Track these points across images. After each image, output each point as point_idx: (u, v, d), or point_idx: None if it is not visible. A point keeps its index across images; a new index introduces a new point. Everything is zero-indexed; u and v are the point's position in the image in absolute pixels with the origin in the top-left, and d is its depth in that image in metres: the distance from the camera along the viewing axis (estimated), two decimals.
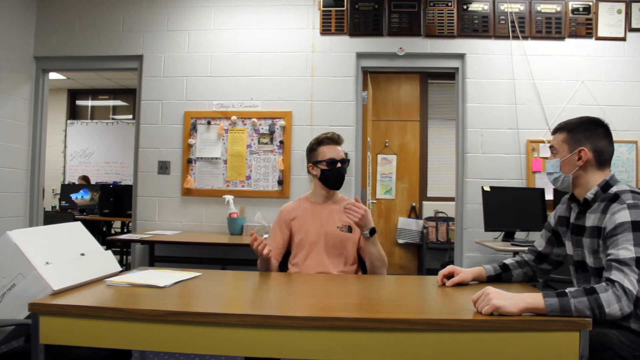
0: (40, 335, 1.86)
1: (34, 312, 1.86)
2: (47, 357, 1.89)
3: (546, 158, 4.79)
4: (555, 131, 2.31)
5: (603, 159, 2.22)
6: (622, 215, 2.00)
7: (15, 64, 5.19)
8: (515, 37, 4.95)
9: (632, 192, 2.08)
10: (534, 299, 1.78)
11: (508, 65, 4.96)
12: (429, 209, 7.95)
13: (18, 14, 5.22)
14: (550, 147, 2.34)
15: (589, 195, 2.20)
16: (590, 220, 2.17)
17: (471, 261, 4.88)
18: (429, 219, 7.85)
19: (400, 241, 7.93)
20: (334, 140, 3.10)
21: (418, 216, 8.01)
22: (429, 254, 7.78)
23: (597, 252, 2.11)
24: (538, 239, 2.55)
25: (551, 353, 1.73)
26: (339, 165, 3.04)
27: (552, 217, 2.50)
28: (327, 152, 3.07)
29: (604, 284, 1.83)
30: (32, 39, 5.41)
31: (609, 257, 1.94)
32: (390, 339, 1.75)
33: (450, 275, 2.39)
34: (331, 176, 3.06)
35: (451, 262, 6.06)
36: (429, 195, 8.09)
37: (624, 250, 1.91)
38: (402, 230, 7.94)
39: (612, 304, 1.77)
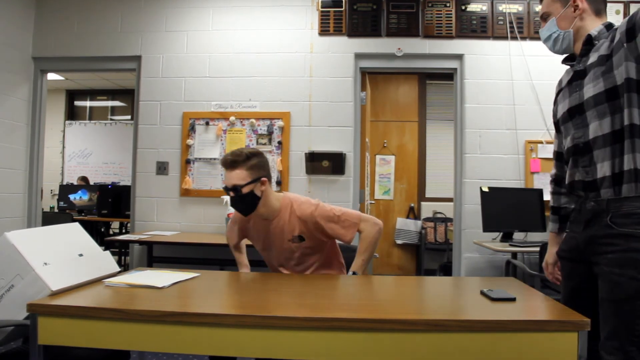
0: (39, 336, 1.86)
1: (32, 313, 1.87)
2: (46, 357, 1.89)
3: (543, 158, 4.85)
4: None
5: (599, 7, 2.13)
6: None
7: (14, 64, 5.19)
8: (514, 38, 4.96)
9: None
10: None
11: (506, 66, 4.96)
12: (427, 209, 7.95)
13: (16, 15, 5.22)
14: (541, 15, 2.24)
15: (593, 32, 2.07)
16: (595, 55, 2.02)
17: (469, 262, 4.89)
18: (427, 219, 7.85)
19: (399, 242, 7.94)
20: (225, 164, 2.74)
21: (416, 217, 8.01)
22: (428, 255, 7.78)
23: (609, 70, 1.94)
24: (555, 143, 2.43)
25: (549, 354, 1.73)
26: (231, 194, 2.73)
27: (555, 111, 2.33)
28: (225, 177, 2.78)
29: None
30: (31, 39, 5.41)
31: None
32: (389, 339, 1.76)
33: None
34: (233, 205, 2.79)
35: (449, 262, 6.07)
36: (427, 195, 8.09)
37: None
38: (400, 230, 7.94)
39: None
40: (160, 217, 5.19)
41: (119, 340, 1.88)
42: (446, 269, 7.07)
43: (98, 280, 2.28)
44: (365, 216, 2.86)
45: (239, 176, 2.68)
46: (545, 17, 2.22)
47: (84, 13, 5.38)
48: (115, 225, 8.30)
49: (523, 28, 4.96)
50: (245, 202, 2.73)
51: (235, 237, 3.12)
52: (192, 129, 5.18)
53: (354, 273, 2.79)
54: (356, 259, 2.83)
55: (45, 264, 2.04)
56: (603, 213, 1.97)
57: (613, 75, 1.92)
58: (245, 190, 2.68)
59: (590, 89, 2.01)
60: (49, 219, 5.93)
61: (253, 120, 5.11)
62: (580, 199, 2.13)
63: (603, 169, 1.97)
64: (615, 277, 1.87)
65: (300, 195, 2.93)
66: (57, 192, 8.50)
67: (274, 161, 5.06)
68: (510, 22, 4.96)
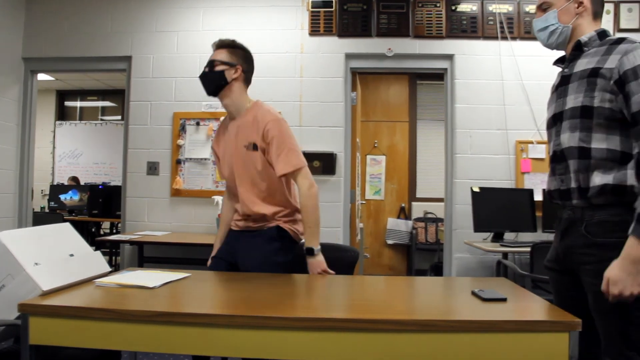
0: (30, 336, 1.85)
1: (23, 313, 1.86)
2: (37, 357, 1.89)
3: (533, 159, 4.88)
4: None
5: (597, 11, 2.11)
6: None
7: (4, 65, 5.17)
8: (504, 38, 4.98)
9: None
10: (631, 247, 1.76)
11: (497, 66, 4.99)
12: (418, 209, 7.98)
13: (6, 16, 5.19)
14: (540, 5, 2.18)
15: (584, 38, 2.06)
16: (583, 64, 2.01)
17: (460, 262, 4.92)
18: (418, 219, 7.87)
19: (390, 242, 7.96)
20: (214, 44, 2.90)
21: (407, 217, 8.03)
22: (418, 255, 7.80)
23: (591, 90, 1.94)
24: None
25: (540, 354, 1.73)
26: (206, 69, 2.84)
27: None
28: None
29: None
30: (21, 40, 5.39)
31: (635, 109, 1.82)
32: (380, 339, 1.76)
33: None
34: (202, 79, 2.89)
35: (440, 263, 6.10)
36: (418, 196, 8.12)
37: None
38: (391, 231, 7.96)
39: None
40: (151, 217, 5.18)
41: (110, 340, 1.87)
42: (437, 269, 7.09)
43: (89, 281, 2.28)
44: (306, 172, 2.79)
45: (219, 55, 2.83)
46: (544, 7, 2.16)
47: (74, 14, 5.36)
48: (106, 225, 8.28)
49: (513, 28, 4.99)
50: (211, 79, 2.82)
51: (217, 163, 3.07)
52: (183, 129, 5.17)
53: (310, 249, 2.72)
54: (304, 232, 2.77)
55: (36, 264, 2.04)
56: (578, 222, 1.99)
57: (593, 96, 1.93)
58: (217, 67, 2.80)
59: (572, 100, 2.01)
60: (40, 219, 5.92)
61: None
62: (559, 208, 2.14)
63: (574, 179, 1.99)
64: (596, 287, 1.86)
65: (273, 108, 2.92)
66: (47, 192, 8.47)
67: None
68: (501, 22, 4.99)
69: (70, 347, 1.99)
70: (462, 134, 5.00)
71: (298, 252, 2.84)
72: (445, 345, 1.75)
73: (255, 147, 2.77)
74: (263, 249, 2.80)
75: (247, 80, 2.93)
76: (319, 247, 2.73)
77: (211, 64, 2.82)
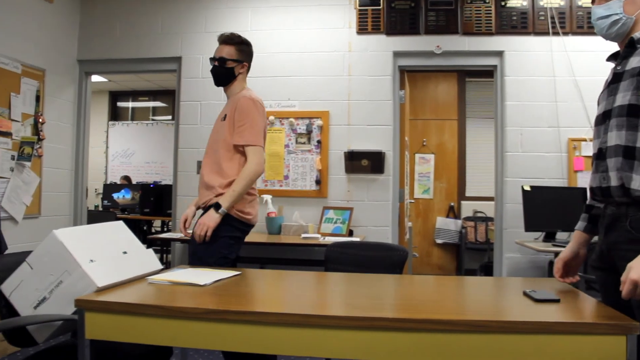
0: (86, 331, 1.91)
1: (79, 308, 1.91)
2: (93, 351, 1.94)
3: (586, 157, 4.75)
4: None
5: None
6: None
7: (60, 67, 5.34)
8: (556, 33, 4.86)
9: None
10: None
11: (548, 62, 4.87)
12: (467, 208, 7.88)
13: (62, 21, 5.36)
14: None
15: (637, 35, 1.98)
16: (635, 61, 1.94)
17: (511, 262, 4.82)
18: (467, 218, 7.77)
19: (439, 241, 7.88)
20: (221, 38, 3.20)
21: (456, 216, 7.94)
22: (468, 254, 7.70)
23: (638, 88, 1.89)
24: None
25: (595, 358, 1.67)
26: (216, 63, 3.15)
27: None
28: (216, 50, 3.20)
29: None
30: (76, 43, 5.55)
31: None
32: (429, 339, 1.74)
33: (567, 269, 2.28)
34: (213, 72, 3.20)
35: (490, 262, 6.00)
36: (467, 194, 8.01)
37: None
38: (440, 230, 7.88)
39: None
40: None
41: (162, 336, 1.91)
42: (487, 269, 6.98)
43: (141, 278, 2.33)
44: (259, 150, 2.98)
45: (229, 52, 3.14)
46: None
47: (126, 16, 5.49)
48: (157, 223, 8.44)
49: (565, 23, 4.86)
50: (223, 74, 3.16)
51: None
52: None
53: (218, 204, 2.84)
54: (226, 192, 2.89)
55: (92, 261, 2.09)
56: (622, 217, 1.93)
57: None
58: (228, 64, 3.13)
59: (620, 98, 1.96)
60: (94, 217, 6.08)
61: (292, 120, 5.14)
62: (603, 205, 2.08)
63: (617, 177, 1.94)
64: None
65: (257, 95, 3.12)
66: (101, 191, 8.69)
67: (314, 160, 5.07)
68: (552, 17, 4.86)
69: (124, 342, 2.03)
70: (512, 131, 4.90)
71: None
72: (497, 347, 1.72)
73: (224, 117, 3.07)
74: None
75: (248, 71, 3.27)
76: (225, 210, 2.86)
77: (222, 60, 3.13)
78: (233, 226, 2.97)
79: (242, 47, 3.17)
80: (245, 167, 2.94)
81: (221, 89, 3.27)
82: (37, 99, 5.01)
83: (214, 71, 3.17)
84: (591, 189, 2.12)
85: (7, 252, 4.35)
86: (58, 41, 5.32)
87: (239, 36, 3.19)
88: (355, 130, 5.05)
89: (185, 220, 3.09)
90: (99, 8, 5.54)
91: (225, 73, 3.14)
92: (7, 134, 4.65)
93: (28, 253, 2.19)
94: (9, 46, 4.66)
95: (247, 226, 3.08)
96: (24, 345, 2.25)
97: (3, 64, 4.60)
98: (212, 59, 3.16)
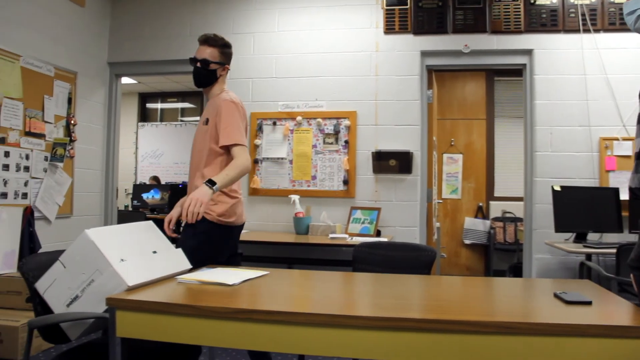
0: (117, 329, 1.94)
1: (110, 307, 1.95)
2: (124, 348, 1.97)
3: (619, 156, 4.67)
4: None
5: None
6: None
7: (91, 70, 5.43)
8: (587, 31, 4.78)
9: None
10: None
11: (579, 60, 4.79)
12: (496, 209, 7.79)
13: (93, 25, 5.48)
14: None
15: None
16: None
17: (541, 263, 4.76)
18: (496, 219, 7.69)
19: (467, 242, 7.82)
20: (203, 39, 3.13)
21: (485, 216, 7.87)
22: (497, 255, 7.62)
23: None
24: None
25: None
26: (198, 64, 3.08)
27: None
28: (198, 50, 3.12)
29: None
30: (106, 46, 5.65)
31: None
32: (457, 341, 1.73)
33: None
34: (195, 74, 3.13)
35: (519, 263, 5.93)
36: (496, 194, 7.93)
37: None
38: (468, 230, 7.82)
39: None
40: None
41: (191, 335, 1.93)
42: (516, 270, 6.90)
43: (171, 277, 2.36)
44: (245, 149, 3.00)
45: (212, 54, 3.09)
46: None
47: (154, 20, 5.56)
48: None
49: (596, 20, 4.78)
50: (205, 76, 3.10)
51: None
52: (260, 129, 5.26)
53: (212, 181, 2.75)
54: (217, 175, 2.84)
55: (122, 260, 2.12)
56: None
57: None
58: (211, 67, 3.08)
59: None
60: (124, 217, 6.17)
61: (320, 120, 5.15)
62: None
63: None
64: None
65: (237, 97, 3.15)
66: (131, 191, 8.80)
67: (341, 160, 5.07)
68: (583, 14, 4.79)
69: (153, 341, 2.05)
70: (542, 131, 4.84)
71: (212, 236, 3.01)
72: (526, 349, 1.70)
73: (207, 121, 3.04)
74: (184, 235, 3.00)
75: (227, 72, 3.24)
76: (217, 188, 2.77)
77: (205, 62, 3.07)
78: (210, 232, 3.00)
79: (224, 50, 3.16)
80: (237, 160, 2.94)
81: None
82: (69, 101, 5.11)
83: (196, 72, 3.13)
84: (631, 189, 2.08)
85: (40, 250, 4.45)
86: (89, 44, 5.42)
87: (222, 38, 3.17)
88: (383, 130, 5.04)
89: (170, 221, 2.99)
90: (129, 11, 5.62)
91: (207, 75, 3.10)
92: (40, 136, 4.75)
93: (61, 252, 2.24)
94: (42, 50, 4.77)
95: (231, 229, 3.11)
96: (57, 342, 2.30)
97: (37, 68, 4.71)
98: (194, 60, 3.11)
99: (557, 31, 4.86)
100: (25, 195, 4.62)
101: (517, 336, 1.70)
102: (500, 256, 7.63)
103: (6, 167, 4.42)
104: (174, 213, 3.02)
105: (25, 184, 4.62)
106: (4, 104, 4.37)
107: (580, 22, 4.79)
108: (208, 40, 3.11)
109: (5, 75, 4.39)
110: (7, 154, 4.42)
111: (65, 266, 2.17)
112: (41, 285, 2.21)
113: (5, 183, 4.41)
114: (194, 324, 1.90)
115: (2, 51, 4.36)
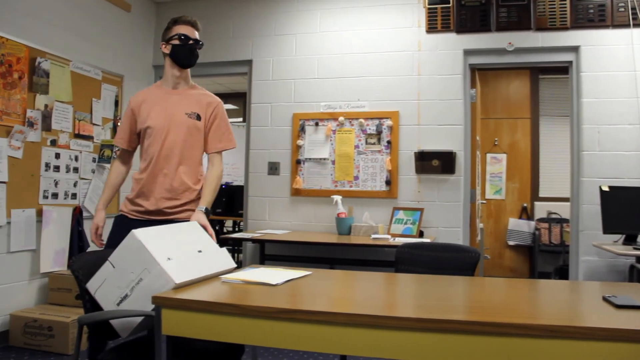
0: (162, 327, 1.98)
1: (157, 305, 1.99)
2: (169, 346, 2.02)
3: None
4: None
5: None
6: None
7: (137, 73, 5.56)
8: (637, 25, 4.64)
9: None
10: None
11: (628, 56, 4.66)
12: (541, 209, 7.65)
13: (139, 28, 5.60)
14: None
15: None
16: None
17: (588, 265, 4.66)
18: (541, 220, 7.55)
19: (511, 243, 7.70)
20: (190, 22, 3.12)
21: (529, 217, 7.73)
22: (542, 257, 7.48)
23: None
24: None
25: None
26: (191, 42, 3.06)
27: None
28: (182, 29, 3.08)
29: None
30: (152, 49, 5.76)
31: None
32: (501, 344, 1.70)
33: None
34: (182, 52, 3.06)
35: (565, 266, 5.81)
36: (541, 195, 7.78)
37: None
38: (512, 231, 7.69)
39: None
40: (272, 216, 5.34)
41: (235, 334, 1.95)
42: (562, 273, 6.75)
43: (216, 276, 2.39)
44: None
45: (198, 36, 3.15)
46: None
47: (198, 21, 5.62)
48: (228, 223, 8.61)
49: None
50: (196, 56, 3.14)
51: (126, 130, 3.13)
52: (302, 129, 5.28)
53: (206, 209, 2.92)
54: (203, 198, 2.98)
55: (169, 259, 2.16)
56: None
57: None
58: (199, 48, 3.14)
59: None
60: None
61: (362, 120, 5.15)
62: None
63: None
64: None
65: None
66: None
67: (383, 161, 5.06)
68: (633, 8, 4.65)
69: (198, 339, 2.09)
70: (589, 129, 4.72)
71: None
72: (574, 354, 1.66)
73: (198, 117, 3.05)
74: None
75: None
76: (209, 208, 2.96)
77: (197, 42, 3.13)
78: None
79: (162, 34, 3.23)
80: (216, 170, 3.09)
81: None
82: (116, 103, 5.23)
83: (190, 51, 3.09)
84: None
85: (88, 249, 4.57)
86: (135, 48, 5.54)
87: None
88: (425, 130, 5.00)
89: (97, 229, 3.01)
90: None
91: (197, 56, 3.16)
92: (89, 138, 4.88)
93: (108, 251, 2.30)
94: (90, 54, 4.91)
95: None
96: (106, 339, 2.37)
97: (86, 72, 4.84)
98: (197, 41, 3.12)
99: (606, 26, 4.74)
100: (74, 196, 4.75)
101: (564, 340, 1.66)
102: (546, 258, 7.49)
103: (57, 168, 4.56)
104: (99, 221, 3.06)
105: (75, 185, 4.75)
106: (55, 108, 4.51)
107: (631, 16, 4.66)
108: (195, 24, 3.17)
109: (56, 80, 4.53)
110: (57, 156, 4.56)
111: (114, 266, 2.22)
112: (92, 285, 2.27)
113: (56, 184, 4.55)
114: (237, 323, 1.92)
115: (53, 56, 4.49)
